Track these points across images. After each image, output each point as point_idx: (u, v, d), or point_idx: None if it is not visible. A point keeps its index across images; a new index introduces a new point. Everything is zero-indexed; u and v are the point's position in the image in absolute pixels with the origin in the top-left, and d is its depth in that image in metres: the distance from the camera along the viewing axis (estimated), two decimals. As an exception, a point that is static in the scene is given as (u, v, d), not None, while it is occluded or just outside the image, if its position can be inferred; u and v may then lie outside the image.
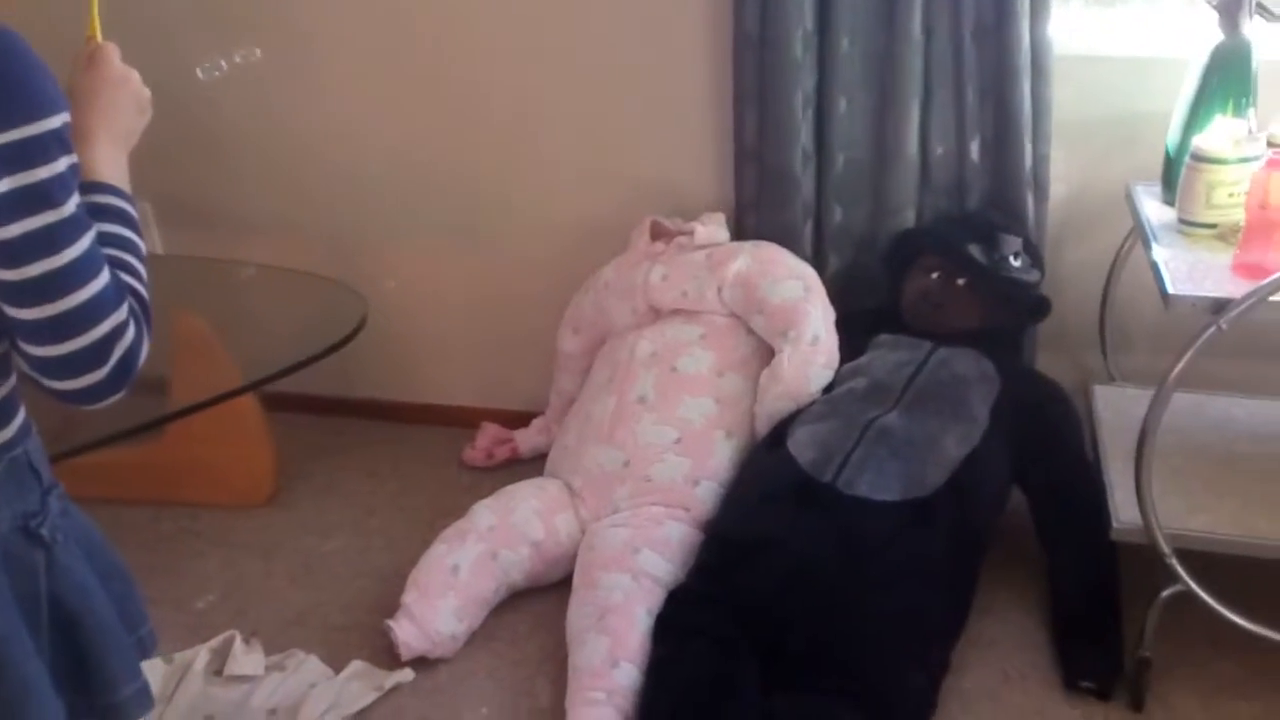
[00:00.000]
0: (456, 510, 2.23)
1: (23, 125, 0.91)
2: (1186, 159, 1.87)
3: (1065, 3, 2.23)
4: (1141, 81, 2.19)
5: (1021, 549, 2.12)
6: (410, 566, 2.13)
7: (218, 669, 2.03)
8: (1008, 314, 2.26)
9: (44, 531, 1.08)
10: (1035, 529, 2.09)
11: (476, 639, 2.10)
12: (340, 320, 2.37)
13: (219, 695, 1.98)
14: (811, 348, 2.19)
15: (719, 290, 2.30)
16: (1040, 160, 2.23)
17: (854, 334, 2.27)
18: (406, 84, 2.56)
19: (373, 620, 2.12)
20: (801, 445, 2.03)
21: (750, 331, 2.31)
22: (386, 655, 2.05)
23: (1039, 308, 2.28)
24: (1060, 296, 2.30)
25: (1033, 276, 2.24)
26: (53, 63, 0.95)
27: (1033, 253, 2.25)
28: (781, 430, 2.12)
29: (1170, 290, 1.69)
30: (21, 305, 0.95)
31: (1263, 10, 1.90)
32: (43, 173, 0.92)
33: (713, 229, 2.39)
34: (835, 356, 2.22)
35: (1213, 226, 1.85)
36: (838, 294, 2.31)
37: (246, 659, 2.04)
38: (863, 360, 2.21)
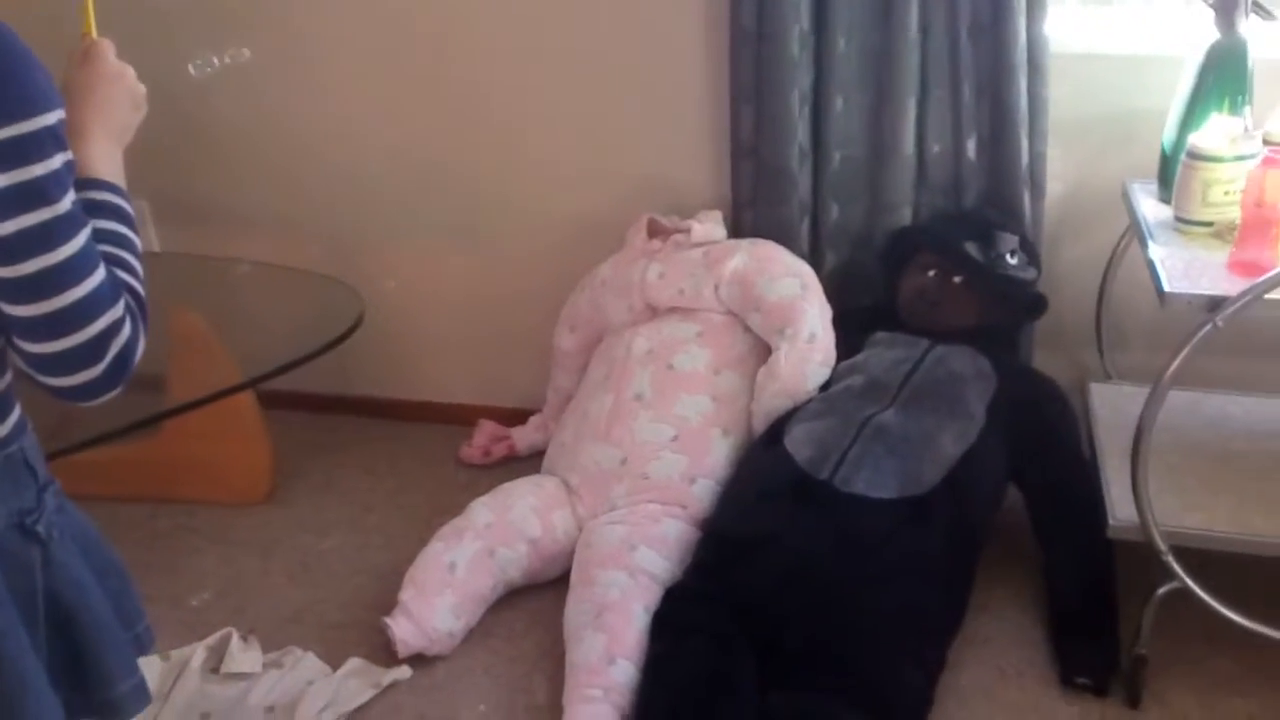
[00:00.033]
0: (454, 508, 2.23)
1: (18, 122, 0.91)
2: (1183, 157, 1.87)
3: (1062, 0, 2.23)
4: (1138, 79, 2.19)
5: (1018, 546, 2.12)
6: (407, 564, 2.13)
7: (215, 666, 2.03)
8: (1004, 312, 2.27)
9: (40, 528, 1.08)
10: (1032, 526, 2.09)
11: (474, 636, 2.10)
12: (337, 317, 2.37)
13: (216, 693, 1.98)
14: (808, 345, 2.19)
15: (716, 288, 2.30)
16: (1037, 158, 2.23)
17: (850, 331, 2.27)
18: (402, 80, 2.56)
19: (370, 618, 2.12)
20: (798, 443, 2.03)
21: (747, 329, 2.32)
22: (384, 652, 2.05)
23: (1035, 305, 2.28)
24: (1057, 294, 2.31)
25: (1029, 274, 2.24)
26: (47, 59, 0.95)
27: (1029, 250, 2.25)
28: (778, 428, 2.12)
29: (1166, 288, 1.69)
30: (17, 302, 0.95)
31: (1259, 8, 1.90)
32: (38, 169, 0.92)
33: (710, 226, 2.39)
34: (832, 354, 2.22)
35: (1209, 224, 1.86)
36: (834, 291, 2.31)
37: (244, 656, 2.04)
38: (859, 358, 2.21)
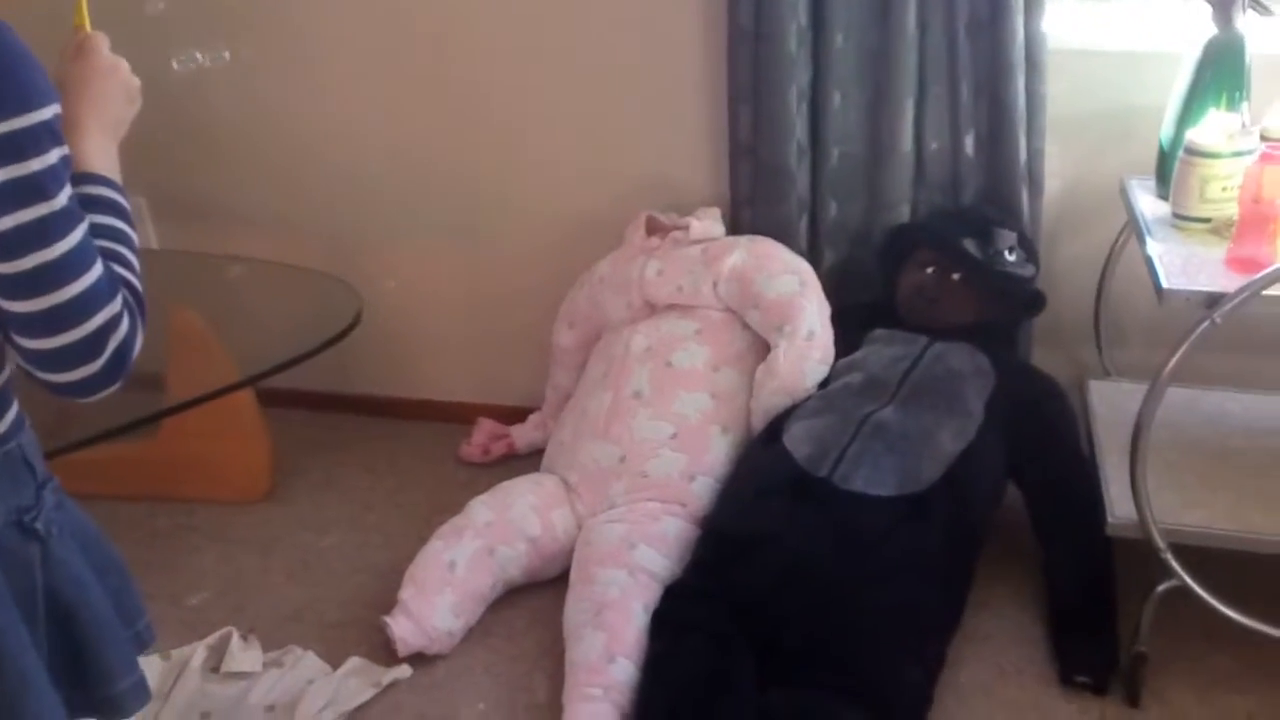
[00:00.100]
0: (453, 506, 2.23)
1: (14, 117, 0.91)
2: (1180, 153, 1.87)
3: (1059, -2, 2.23)
4: (1135, 76, 2.19)
5: (1017, 544, 2.12)
6: (407, 563, 2.13)
7: (215, 666, 2.03)
8: (1003, 309, 2.27)
9: (38, 525, 1.08)
10: (1031, 524, 2.09)
11: (473, 635, 2.10)
12: (336, 315, 2.37)
13: (216, 692, 1.98)
14: (807, 343, 2.19)
15: (714, 285, 2.30)
16: (1035, 155, 2.23)
17: (849, 329, 2.27)
18: (402, 80, 2.56)
19: (370, 616, 2.12)
20: (797, 440, 2.03)
21: (746, 326, 2.32)
22: (384, 651, 2.05)
23: (1034, 302, 2.28)
24: (1055, 291, 2.31)
25: (1027, 271, 2.24)
26: (41, 53, 0.95)
27: (1027, 247, 2.25)
28: (777, 425, 2.12)
29: (1164, 285, 1.69)
30: (15, 298, 0.95)
31: (1256, 4, 1.90)
32: (34, 165, 0.92)
33: (708, 224, 2.39)
34: (830, 351, 2.22)
35: (1207, 221, 1.86)
36: (833, 289, 2.31)
37: (244, 655, 2.04)
38: (858, 355, 2.21)
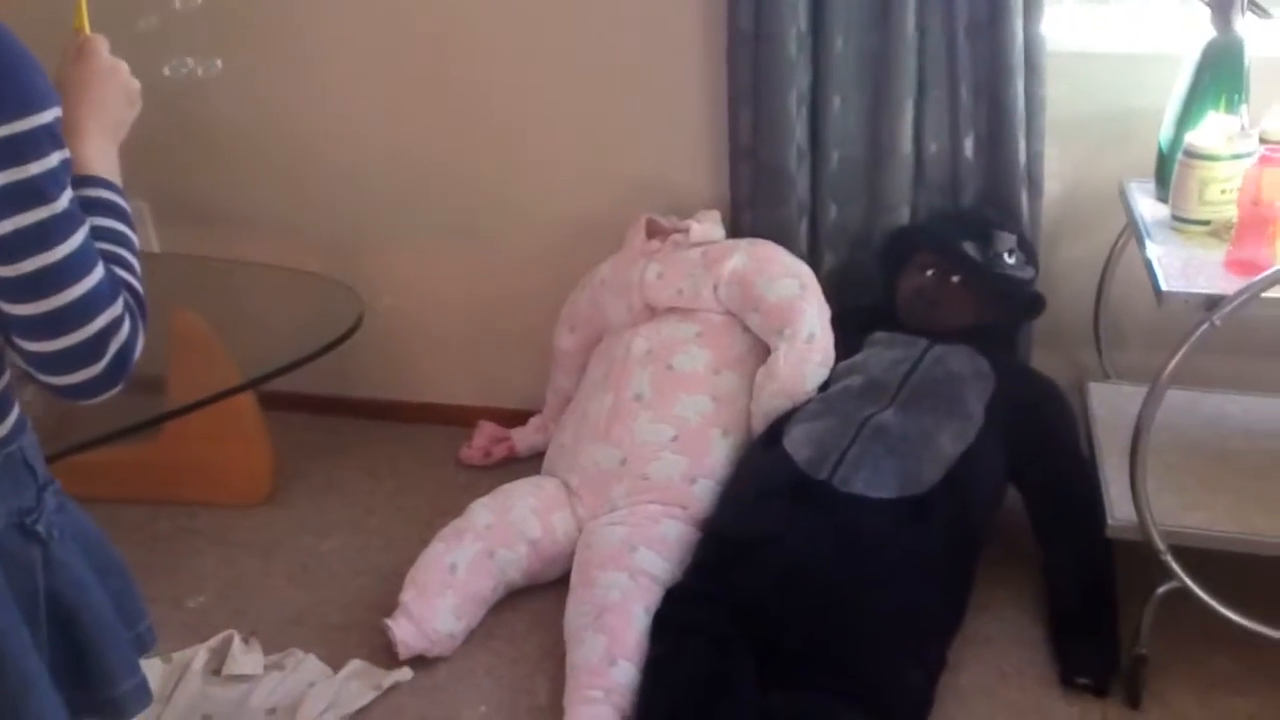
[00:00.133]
0: (454, 509, 2.23)
1: (14, 120, 0.91)
2: (1179, 155, 1.87)
3: (1058, 0, 2.23)
4: (1135, 78, 2.19)
5: (1018, 546, 2.12)
6: (408, 565, 2.13)
7: (216, 668, 2.03)
8: (1002, 311, 2.27)
9: (40, 528, 1.08)
10: (1031, 526, 2.09)
11: (475, 637, 2.10)
12: (337, 319, 2.37)
13: (218, 695, 1.98)
14: (807, 345, 2.19)
15: (715, 288, 2.30)
16: (1034, 157, 2.23)
17: (849, 331, 2.27)
18: (402, 80, 2.57)
19: (371, 619, 2.12)
20: (797, 443, 2.03)
21: (746, 329, 2.32)
22: (385, 654, 2.05)
23: (1033, 305, 2.28)
24: (1055, 293, 2.31)
25: (1027, 274, 2.24)
26: (41, 56, 0.95)
27: (1027, 250, 2.25)
28: (777, 428, 2.12)
29: (1164, 287, 1.69)
30: (16, 301, 0.95)
31: (1255, 7, 1.90)
32: (35, 168, 0.92)
33: (708, 226, 2.40)
34: (831, 354, 2.22)
35: (1206, 223, 1.86)
36: (833, 291, 2.31)
37: (245, 658, 2.04)
38: (858, 358, 2.21)
